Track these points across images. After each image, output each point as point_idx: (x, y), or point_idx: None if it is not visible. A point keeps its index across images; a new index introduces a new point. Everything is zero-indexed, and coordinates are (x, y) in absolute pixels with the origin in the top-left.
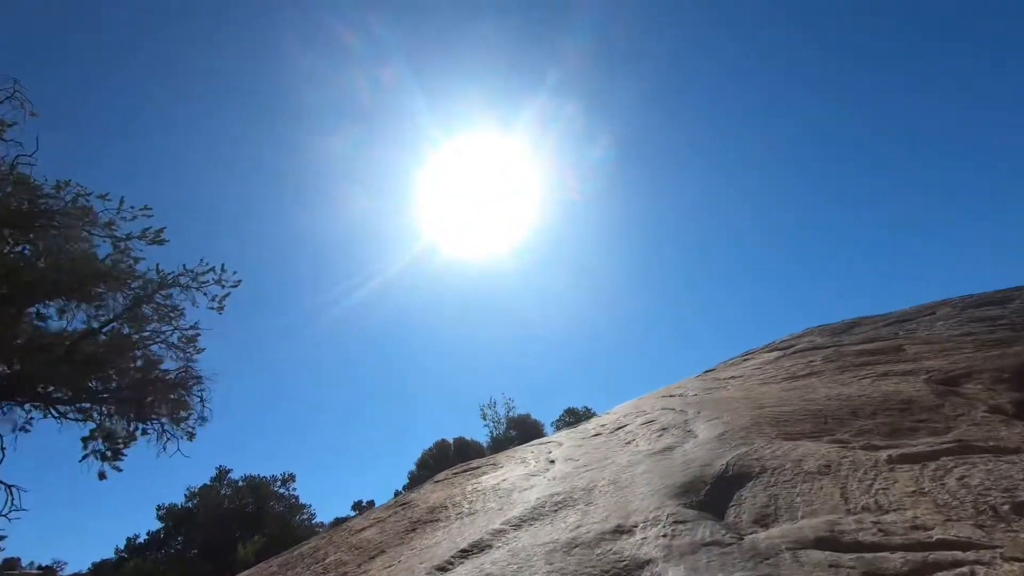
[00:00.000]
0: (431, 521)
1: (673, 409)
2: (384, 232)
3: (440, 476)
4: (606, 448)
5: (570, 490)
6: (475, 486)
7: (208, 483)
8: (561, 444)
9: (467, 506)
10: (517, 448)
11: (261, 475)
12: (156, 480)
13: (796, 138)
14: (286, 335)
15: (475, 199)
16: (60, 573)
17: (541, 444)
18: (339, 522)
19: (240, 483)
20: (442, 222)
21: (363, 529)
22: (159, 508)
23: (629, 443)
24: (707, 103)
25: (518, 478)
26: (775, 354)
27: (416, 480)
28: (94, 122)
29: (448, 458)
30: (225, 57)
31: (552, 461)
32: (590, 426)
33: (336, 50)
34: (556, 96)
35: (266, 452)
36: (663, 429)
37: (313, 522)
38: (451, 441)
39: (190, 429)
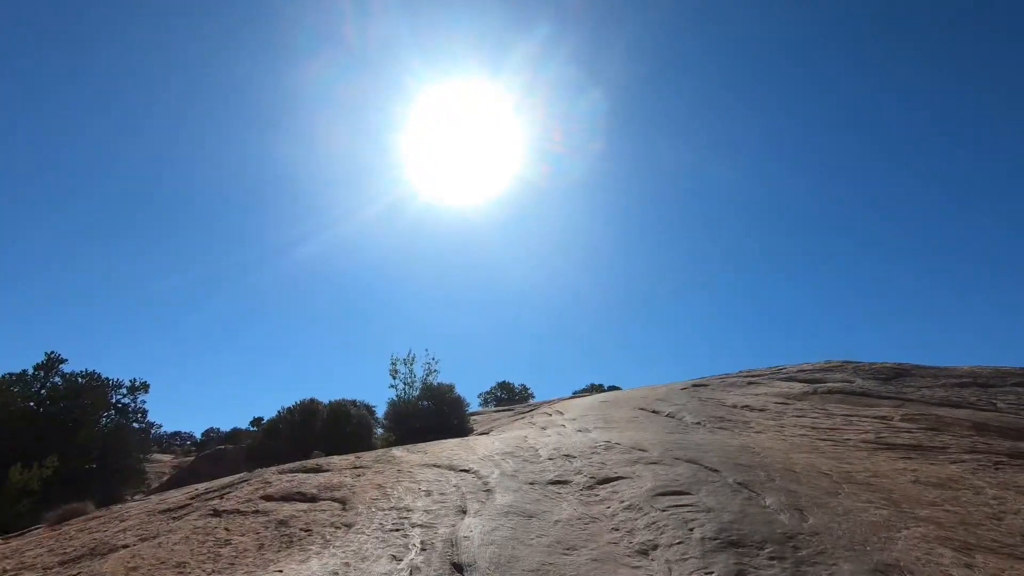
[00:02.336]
0: None
1: (676, 479)
2: (361, 168)
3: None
4: None
5: None
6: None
7: (26, 371)
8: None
9: None
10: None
11: (102, 374)
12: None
13: (807, 91)
14: (250, 267)
15: (456, 142)
16: None
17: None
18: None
19: (78, 378)
20: (420, 162)
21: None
22: None
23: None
24: (710, 57)
25: None
26: (799, 387)
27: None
28: (63, 52)
29: (312, 426)
30: None
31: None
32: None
33: None
34: (548, 42)
35: (143, 360)
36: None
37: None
38: (326, 404)
39: None
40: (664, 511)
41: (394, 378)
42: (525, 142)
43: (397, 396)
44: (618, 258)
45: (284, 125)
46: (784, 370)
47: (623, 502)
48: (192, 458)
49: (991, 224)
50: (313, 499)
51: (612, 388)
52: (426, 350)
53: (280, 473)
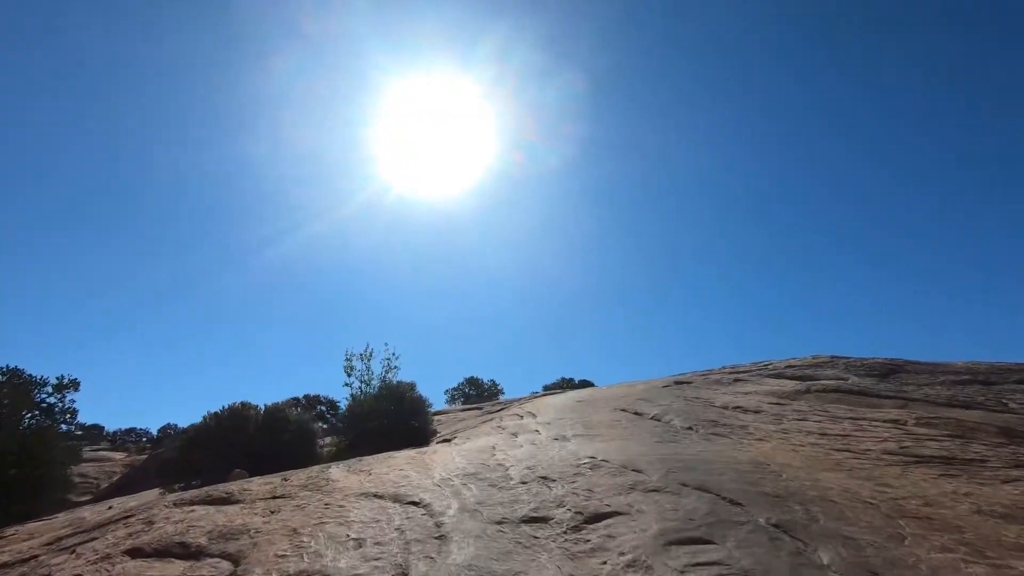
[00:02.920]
0: None
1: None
2: (330, 164)
3: None
4: None
5: None
6: None
7: None
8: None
9: None
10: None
11: (26, 371)
12: None
13: (793, 76)
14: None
15: (426, 135)
16: None
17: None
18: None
19: None
20: (391, 157)
21: None
22: None
23: None
24: (688, 40)
25: None
26: (791, 385)
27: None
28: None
29: (242, 434)
30: None
31: None
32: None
33: None
34: (516, 29)
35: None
36: None
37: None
38: (260, 408)
39: None
40: (683, 574)
41: (349, 375)
42: (497, 132)
43: (352, 396)
44: (592, 249)
45: (248, 123)
46: (771, 366)
47: (624, 554)
48: (146, 456)
49: (970, 222)
50: (196, 555)
51: (584, 383)
52: (385, 344)
53: (177, 506)
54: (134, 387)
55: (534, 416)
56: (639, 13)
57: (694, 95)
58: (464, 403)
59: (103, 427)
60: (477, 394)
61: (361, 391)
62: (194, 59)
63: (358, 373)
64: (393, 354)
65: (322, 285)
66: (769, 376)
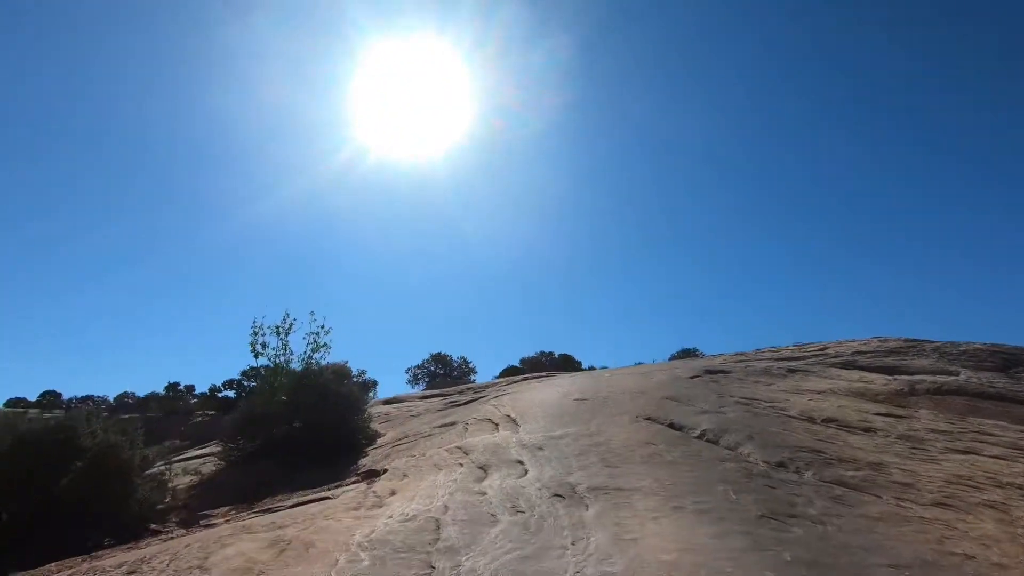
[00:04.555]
0: None
1: None
2: (305, 124)
3: None
4: None
5: None
6: None
7: None
8: None
9: None
10: None
11: None
12: None
13: (804, 33)
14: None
15: (404, 97)
16: None
17: None
18: None
19: None
20: (368, 118)
21: None
22: None
23: None
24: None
25: None
26: (879, 380)
27: None
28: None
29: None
30: None
31: None
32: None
33: None
34: None
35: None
36: None
37: None
38: (93, 433)
39: None
40: None
41: (257, 358)
42: (477, 96)
43: (257, 386)
44: (573, 219)
45: (219, 80)
46: (828, 350)
47: None
48: None
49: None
50: None
51: (565, 358)
52: (312, 314)
53: None
54: (96, 351)
55: (515, 424)
56: None
57: (684, 65)
58: (428, 385)
59: (59, 393)
60: (444, 373)
61: (272, 380)
62: (164, 11)
63: (271, 353)
64: (322, 327)
65: (291, 248)
66: (836, 366)
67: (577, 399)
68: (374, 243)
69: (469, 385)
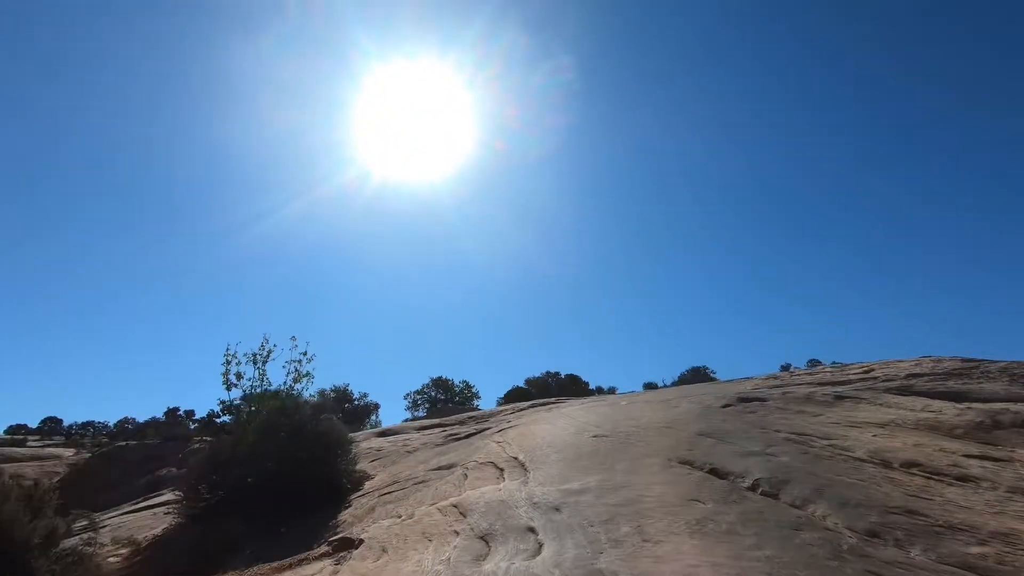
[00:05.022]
0: None
1: None
2: (309, 147)
3: None
4: None
5: None
6: None
7: None
8: None
9: None
10: None
11: None
12: None
13: (801, 53)
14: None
15: (403, 119)
16: None
17: None
18: None
19: None
20: (372, 141)
21: None
22: None
23: None
24: (678, 19)
25: None
26: (950, 410)
27: None
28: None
29: None
30: None
31: None
32: None
33: None
34: (501, 14)
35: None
36: None
37: None
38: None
39: None
40: None
41: (229, 390)
42: (479, 119)
43: (232, 421)
44: (575, 239)
45: (226, 104)
46: (873, 373)
47: None
48: (88, 455)
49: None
50: None
51: (572, 379)
52: (293, 339)
53: None
54: (98, 376)
55: (524, 470)
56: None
57: (682, 83)
58: (427, 414)
59: (60, 420)
60: (445, 399)
61: (246, 414)
62: (171, 35)
63: (247, 384)
64: (304, 354)
65: (295, 271)
66: (890, 392)
67: (595, 436)
68: (379, 265)
69: (471, 413)
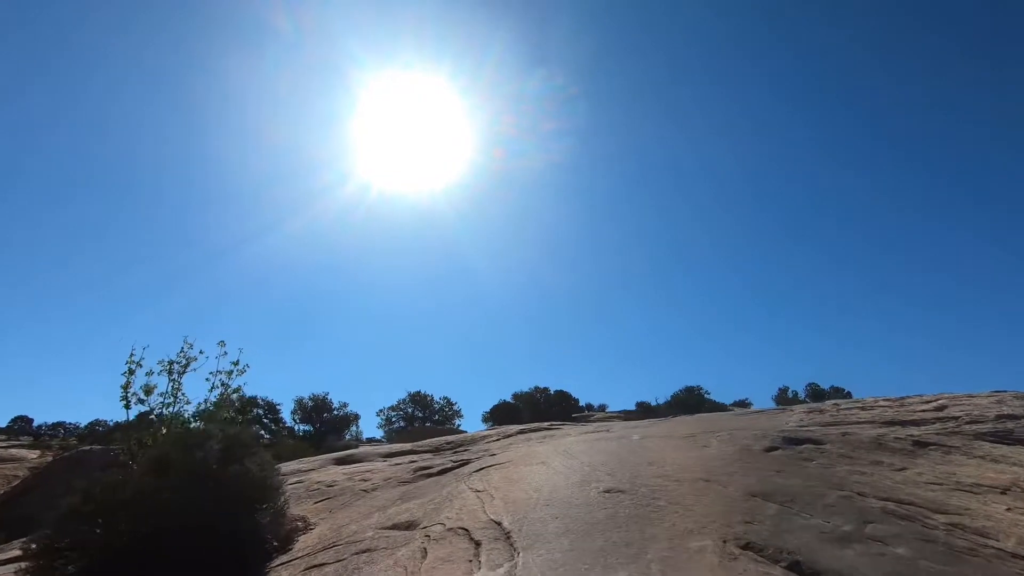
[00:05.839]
0: None
1: None
2: (304, 161)
3: None
4: None
5: None
6: None
7: None
8: None
9: None
10: None
11: None
12: None
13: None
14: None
15: (399, 129)
16: None
17: None
18: None
19: None
20: (368, 153)
21: None
22: None
23: None
24: (671, 20)
25: None
26: None
27: None
28: None
29: None
30: None
31: None
32: None
33: None
34: (494, 21)
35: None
36: None
37: None
38: None
39: None
40: None
41: (128, 409)
42: (476, 127)
43: (129, 448)
44: (574, 248)
45: (218, 119)
46: (947, 410)
47: None
48: (52, 457)
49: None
50: None
51: (561, 395)
52: (221, 344)
53: None
54: (72, 375)
55: (510, 549)
56: (619, 3)
57: (680, 87)
58: (399, 435)
59: (31, 419)
60: (423, 416)
61: (147, 439)
62: (165, 51)
63: (158, 400)
64: (235, 363)
65: (293, 284)
66: (982, 438)
67: (608, 490)
68: (373, 276)
69: (450, 438)
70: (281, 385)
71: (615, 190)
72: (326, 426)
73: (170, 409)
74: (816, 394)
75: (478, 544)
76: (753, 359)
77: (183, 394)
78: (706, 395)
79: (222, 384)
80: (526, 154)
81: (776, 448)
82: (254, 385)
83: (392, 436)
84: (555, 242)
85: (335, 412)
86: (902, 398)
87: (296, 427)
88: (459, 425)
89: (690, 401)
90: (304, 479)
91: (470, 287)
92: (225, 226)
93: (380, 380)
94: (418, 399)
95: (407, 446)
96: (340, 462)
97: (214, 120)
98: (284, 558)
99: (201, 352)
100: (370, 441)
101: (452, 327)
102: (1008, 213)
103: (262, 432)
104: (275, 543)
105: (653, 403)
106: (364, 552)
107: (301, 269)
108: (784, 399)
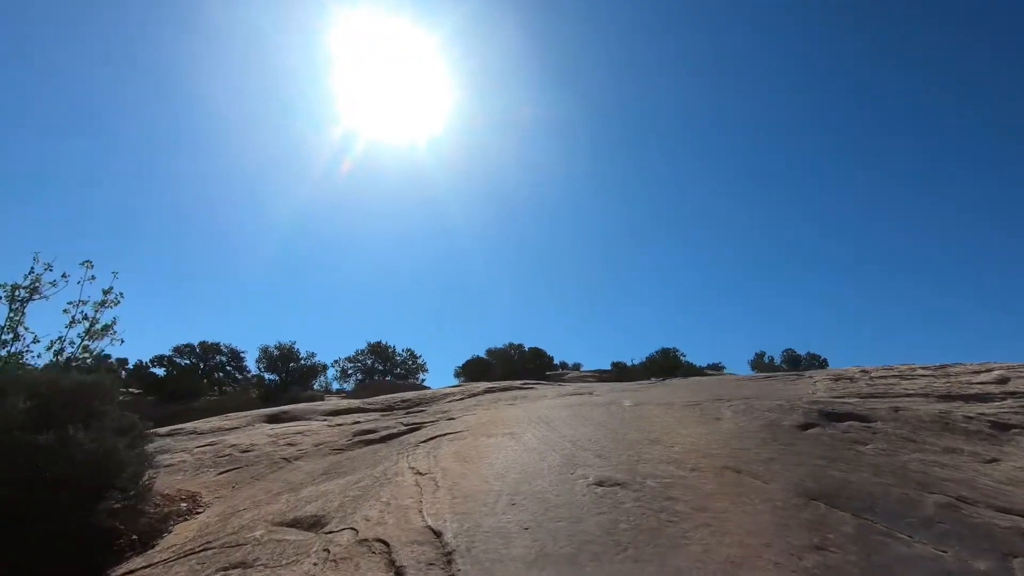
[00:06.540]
0: None
1: None
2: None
3: None
4: None
5: None
6: None
7: None
8: None
9: None
10: None
11: None
12: None
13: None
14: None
15: (383, 78)
16: None
17: None
18: None
19: None
20: (351, 102)
21: None
22: None
23: None
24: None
25: None
26: None
27: None
28: None
29: None
30: None
31: None
32: None
33: None
34: None
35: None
36: None
37: None
38: None
39: None
40: None
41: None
42: (464, 78)
43: None
44: (559, 204)
45: (189, 69)
46: (1011, 382)
47: None
48: None
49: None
50: None
51: (535, 352)
52: (86, 264)
53: None
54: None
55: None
56: None
57: (675, 46)
58: (357, 386)
59: None
60: (384, 369)
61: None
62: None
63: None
64: (107, 292)
65: (267, 232)
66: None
67: (599, 481)
68: (352, 228)
69: (406, 396)
70: (249, 333)
71: (598, 148)
72: (292, 376)
73: (8, 349)
74: (792, 360)
75: (399, 574)
76: (726, 323)
77: (24, 327)
78: (682, 357)
79: (85, 317)
80: (510, 109)
81: (813, 424)
82: (217, 331)
83: (357, 389)
84: (533, 202)
85: (302, 362)
86: (943, 366)
87: (264, 376)
88: (423, 380)
89: (666, 364)
90: (218, 441)
91: (448, 241)
92: (197, 171)
93: (353, 333)
94: (378, 350)
95: (355, 403)
96: (271, 419)
97: (192, 69)
98: (134, 564)
99: (64, 276)
100: (339, 393)
101: (428, 281)
102: (975, 177)
103: (223, 378)
104: (133, 536)
105: (629, 364)
106: (233, 568)
107: (277, 216)
108: (761, 365)
